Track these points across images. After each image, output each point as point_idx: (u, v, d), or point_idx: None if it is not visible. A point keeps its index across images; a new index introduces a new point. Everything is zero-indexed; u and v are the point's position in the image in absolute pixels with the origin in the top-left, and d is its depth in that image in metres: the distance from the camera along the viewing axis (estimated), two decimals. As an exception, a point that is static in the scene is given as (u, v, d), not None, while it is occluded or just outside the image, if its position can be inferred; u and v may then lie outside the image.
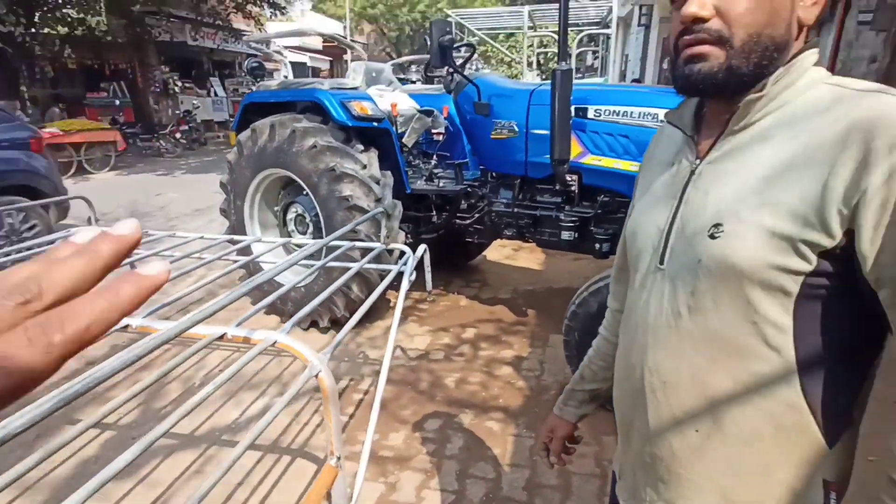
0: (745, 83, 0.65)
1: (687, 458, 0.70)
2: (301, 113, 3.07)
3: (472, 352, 2.99)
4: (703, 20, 0.64)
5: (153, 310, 1.41)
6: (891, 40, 4.00)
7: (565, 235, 2.76)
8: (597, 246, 2.71)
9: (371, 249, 2.10)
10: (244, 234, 3.33)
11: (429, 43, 2.62)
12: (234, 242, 2.23)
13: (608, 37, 9.52)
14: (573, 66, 10.20)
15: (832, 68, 4.30)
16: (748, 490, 0.67)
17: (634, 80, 12.23)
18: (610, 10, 8.89)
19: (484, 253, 4.49)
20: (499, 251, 4.67)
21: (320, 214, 2.97)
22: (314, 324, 3.20)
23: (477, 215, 3.13)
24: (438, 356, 2.95)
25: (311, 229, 3.18)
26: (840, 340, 0.62)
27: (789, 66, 0.64)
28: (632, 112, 2.44)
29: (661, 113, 2.37)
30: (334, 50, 23.73)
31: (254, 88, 3.31)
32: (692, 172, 0.71)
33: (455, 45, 2.78)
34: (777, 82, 0.64)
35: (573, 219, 2.73)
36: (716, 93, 0.68)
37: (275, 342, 1.20)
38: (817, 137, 0.59)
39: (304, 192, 3.07)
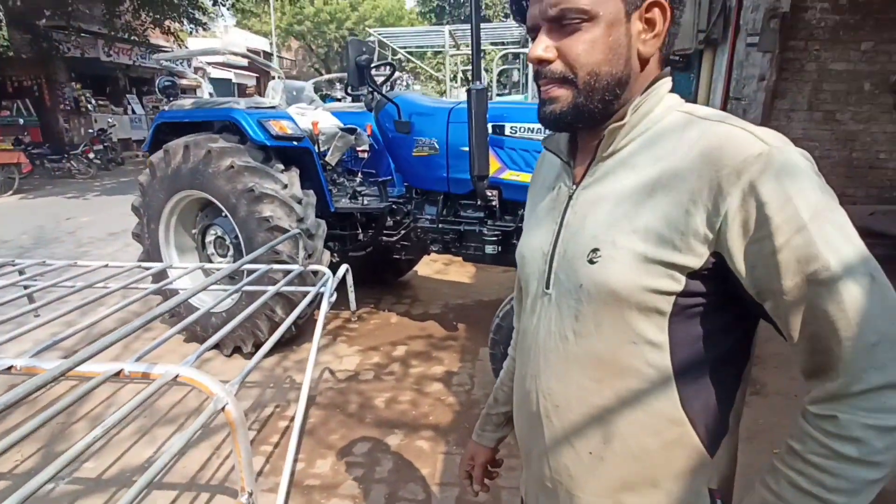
0: (595, 117, 0.70)
1: (584, 480, 0.72)
2: (217, 133, 2.98)
3: (402, 370, 2.98)
4: (548, 62, 0.68)
5: (48, 345, 1.31)
6: (775, 60, 4.44)
7: (489, 249, 2.83)
8: (519, 258, 2.79)
9: (289, 272, 2.06)
10: (159, 259, 3.17)
11: (346, 63, 2.62)
12: (145, 269, 2.11)
13: (524, 56, 9.88)
14: (491, 84, 10.58)
15: (727, 86, 4.70)
16: None
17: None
18: (523, 33, 9.25)
19: (415, 268, 4.50)
20: (430, 266, 4.70)
21: (240, 236, 2.88)
22: (237, 349, 3.08)
23: (403, 232, 3.14)
24: (368, 376, 2.91)
25: (231, 252, 3.07)
26: (714, 353, 0.66)
27: (647, 95, 0.69)
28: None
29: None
30: (262, 66, 23.15)
31: (166, 108, 3.17)
32: (570, 197, 0.74)
33: (373, 65, 2.80)
34: (636, 110, 0.69)
35: (496, 233, 2.81)
36: (570, 129, 0.74)
37: (176, 376, 1.14)
38: (674, 164, 0.63)
39: (223, 214, 2.96)
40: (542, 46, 0.68)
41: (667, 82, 0.71)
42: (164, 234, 3.18)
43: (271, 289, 1.98)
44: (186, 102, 3.12)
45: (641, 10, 0.67)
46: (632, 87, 0.70)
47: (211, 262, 3.24)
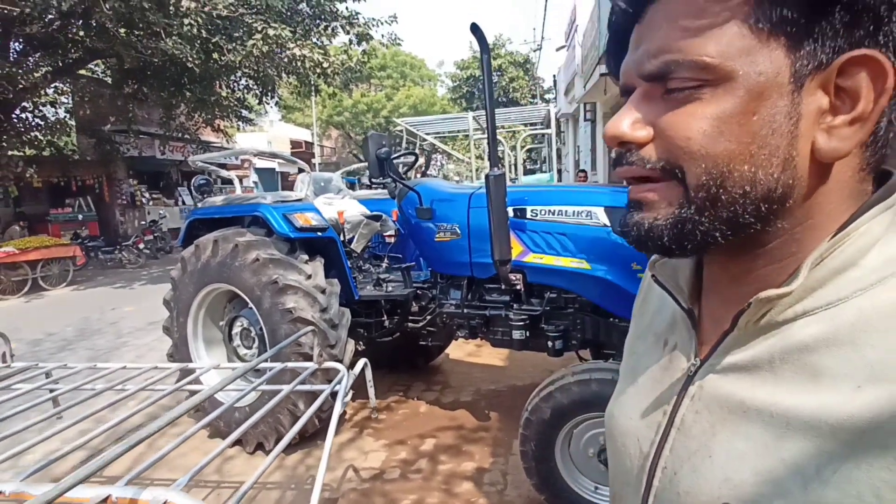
0: (718, 243, 0.41)
1: None
2: (246, 227, 3.07)
3: (430, 466, 2.79)
4: (636, 145, 0.42)
5: (49, 461, 1.26)
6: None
7: (516, 334, 2.71)
8: (549, 343, 2.65)
9: (305, 368, 2.00)
10: (187, 352, 3.18)
11: (366, 156, 2.70)
12: (162, 369, 2.09)
13: (550, 134, 10.16)
14: (520, 162, 10.81)
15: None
16: None
17: (580, 171, 12.93)
18: (548, 113, 9.58)
19: (446, 351, 4.38)
20: (462, 348, 4.56)
21: (264, 328, 2.87)
22: (260, 446, 2.97)
23: (428, 317, 3.07)
24: (394, 475, 2.73)
25: (256, 343, 3.06)
26: None
27: (843, 237, 0.38)
28: (566, 211, 2.50)
29: (596, 210, 2.44)
30: (304, 154, 24.63)
31: (199, 205, 3.32)
32: (689, 378, 0.46)
33: (395, 155, 2.87)
34: (819, 265, 0.39)
35: (522, 317, 2.69)
36: (673, 254, 0.44)
37: (164, 502, 1.06)
38: None
39: (249, 306, 2.98)
40: (629, 120, 0.41)
41: (883, 215, 0.39)
42: (193, 328, 3.21)
43: (286, 387, 1.92)
44: (218, 199, 3.26)
45: (830, 73, 0.36)
46: (796, 210, 0.40)
47: (237, 353, 3.23)
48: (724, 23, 0.36)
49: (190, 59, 7.76)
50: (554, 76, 21.44)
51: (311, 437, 3.03)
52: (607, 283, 2.42)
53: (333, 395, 1.86)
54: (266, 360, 2.01)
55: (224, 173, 3.80)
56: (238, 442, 2.98)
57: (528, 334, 2.70)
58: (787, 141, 0.37)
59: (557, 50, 18.85)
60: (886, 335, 0.35)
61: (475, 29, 2.31)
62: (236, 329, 3.18)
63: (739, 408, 0.41)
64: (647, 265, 0.57)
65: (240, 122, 14.59)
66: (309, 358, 2.50)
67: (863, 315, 0.37)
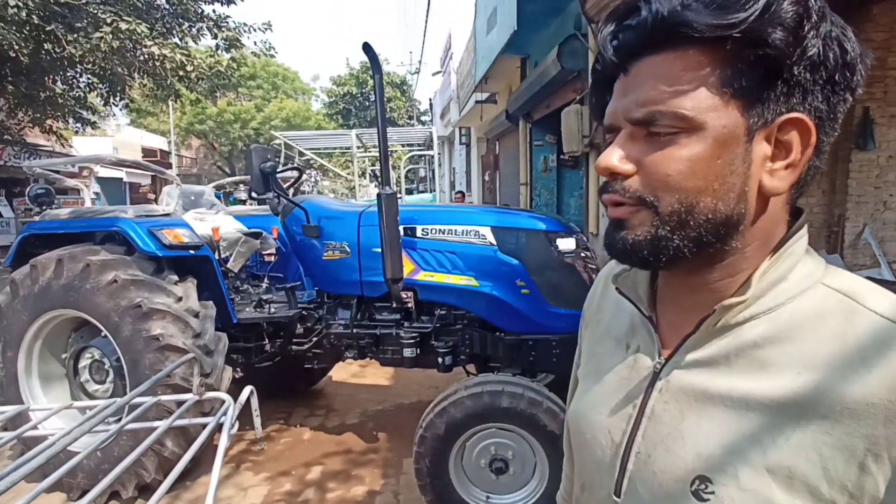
0: (686, 258, 0.50)
1: None
2: (99, 244, 2.69)
3: (318, 496, 2.65)
4: (622, 176, 0.51)
5: None
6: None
7: (407, 352, 2.71)
8: (439, 360, 2.69)
9: (182, 402, 1.79)
10: (16, 392, 2.68)
11: (249, 170, 2.54)
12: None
13: (433, 156, 10.46)
14: (400, 181, 10.96)
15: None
16: None
17: (458, 193, 13.47)
18: (430, 135, 9.87)
19: (329, 374, 4.22)
20: (346, 370, 4.43)
21: (123, 359, 2.53)
22: (115, 495, 2.59)
23: (315, 339, 2.95)
24: (278, 510, 2.55)
25: (110, 377, 2.68)
26: None
27: (779, 256, 0.50)
28: (456, 230, 2.58)
29: (483, 230, 2.55)
30: (158, 165, 22.36)
31: (37, 218, 2.85)
32: (656, 374, 0.54)
33: (279, 170, 2.74)
34: (763, 276, 0.50)
35: (413, 335, 2.71)
36: (646, 266, 0.54)
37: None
38: (839, 384, 0.44)
39: (102, 335, 2.61)
40: (619, 155, 0.50)
41: (803, 237, 0.51)
42: (25, 363, 2.72)
43: (159, 425, 1.70)
44: (63, 212, 2.83)
45: (772, 129, 0.47)
46: (745, 232, 0.50)
47: (85, 390, 2.79)
48: (697, 86, 0.47)
49: (15, 46, 6.66)
50: (430, 99, 22.12)
51: (177, 478, 2.71)
52: (494, 299, 2.54)
53: (217, 427, 1.70)
54: (127, 396, 1.77)
55: (70, 182, 3.30)
56: (84, 492, 2.57)
57: (418, 351, 2.72)
58: (742, 179, 0.48)
59: (434, 75, 19.51)
60: (813, 331, 0.47)
61: (367, 48, 2.32)
62: (84, 362, 2.76)
63: (704, 395, 0.50)
64: (602, 280, 0.70)
65: (78, 124, 12.83)
66: (182, 390, 2.26)
67: (794, 317, 0.48)
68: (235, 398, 1.83)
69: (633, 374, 0.57)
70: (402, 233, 2.51)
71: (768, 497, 0.45)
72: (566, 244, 2.50)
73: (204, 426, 1.75)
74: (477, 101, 10.67)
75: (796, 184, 0.50)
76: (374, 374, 4.36)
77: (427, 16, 19.92)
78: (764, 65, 0.45)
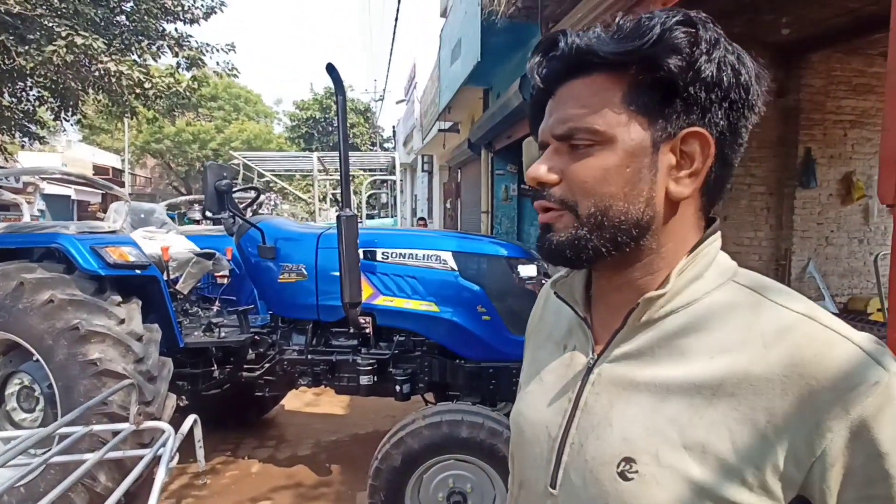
0: (602, 258, 0.57)
1: None
2: (37, 261, 2.53)
3: (264, 533, 2.50)
4: (548, 185, 0.57)
5: None
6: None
7: (364, 380, 2.63)
8: (397, 388, 2.62)
9: (117, 432, 1.67)
10: (-69, 422, 2.44)
11: (204, 188, 2.45)
12: None
13: (395, 181, 10.49)
14: (361, 206, 10.91)
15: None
16: None
17: (420, 219, 13.51)
18: (393, 160, 9.92)
19: (282, 403, 4.05)
20: (299, 398, 4.27)
21: (55, 385, 2.35)
22: (38, 537, 2.36)
23: (267, 365, 2.83)
24: (220, 549, 2.39)
25: (40, 405, 2.48)
26: None
27: (694, 256, 0.56)
28: (416, 254, 2.56)
29: (444, 255, 2.53)
30: (110, 181, 21.54)
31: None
32: (589, 370, 0.59)
33: (235, 189, 2.66)
34: (681, 274, 0.55)
35: (370, 361, 2.63)
36: (571, 265, 0.61)
37: None
38: (744, 364, 0.50)
39: (34, 359, 2.42)
40: (545, 167, 0.57)
41: (716, 240, 0.58)
42: (-56, 389, 2.49)
43: (90, 457, 1.58)
44: (-2, 226, 2.65)
45: (676, 142, 0.54)
46: (658, 233, 0.56)
47: (12, 419, 2.58)
48: (607, 105, 0.54)
49: (-40, 57, 6.36)
50: (394, 127, 22.31)
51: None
52: (454, 325, 2.51)
53: (154, 460, 1.59)
54: (60, 425, 1.64)
55: (7, 196, 3.11)
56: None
57: (375, 379, 2.65)
58: (649, 186, 0.55)
59: (397, 103, 19.74)
60: (725, 321, 0.53)
61: (331, 69, 2.31)
62: (12, 388, 2.55)
63: (630, 384, 0.55)
64: (544, 293, 0.76)
65: (25, 139, 12.24)
66: (120, 419, 2.11)
67: (709, 310, 0.54)
68: (178, 428, 1.73)
69: (569, 371, 0.62)
70: (361, 256, 2.47)
71: (686, 472, 0.49)
72: (528, 270, 2.51)
73: (141, 458, 1.64)
74: (440, 130, 10.83)
75: (705, 191, 0.57)
76: (329, 402, 4.22)
77: (392, 46, 20.24)
78: (663, 85, 0.52)
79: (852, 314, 5.40)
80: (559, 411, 0.60)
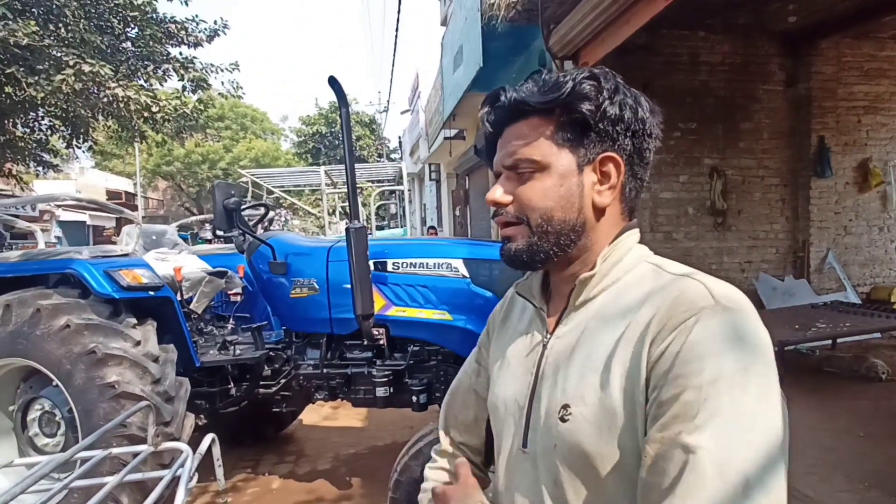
0: (553, 259, 0.73)
1: None
2: (52, 287, 2.55)
3: (287, 551, 2.48)
4: (503, 205, 0.73)
5: None
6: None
7: (380, 392, 2.61)
8: (413, 398, 2.60)
9: (137, 454, 1.67)
10: (-45, 452, 2.46)
11: (213, 207, 2.46)
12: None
13: (403, 191, 10.50)
14: (370, 218, 10.93)
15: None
16: None
17: (430, 228, 13.51)
18: (400, 170, 9.94)
19: (300, 417, 4.04)
20: (317, 412, 4.26)
21: (75, 409, 2.36)
22: (63, 562, 2.37)
23: (283, 381, 2.82)
24: (244, 569, 2.37)
25: (61, 430, 2.50)
26: None
27: (614, 245, 0.72)
28: (427, 263, 2.54)
29: (455, 262, 2.51)
30: (123, 205, 21.86)
31: (-16, 262, 2.69)
32: (544, 346, 0.74)
33: (244, 206, 2.67)
34: (605, 260, 0.72)
35: (386, 373, 2.61)
36: (528, 267, 0.77)
37: None
38: (638, 315, 0.64)
39: (53, 384, 2.44)
40: (500, 191, 0.74)
41: (634, 233, 0.75)
42: (-34, 418, 2.52)
43: (111, 480, 1.57)
44: (13, 255, 2.69)
45: (595, 164, 0.71)
46: (591, 234, 0.72)
47: (34, 444, 2.59)
48: (541, 140, 0.71)
49: (-27, 91, 6.50)
50: (399, 137, 22.42)
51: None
52: (468, 333, 2.48)
53: (174, 480, 1.58)
54: (78, 449, 1.64)
55: (23, 225, 3.16)
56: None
57: (391, 390, 2.62)
58: (579, 199, 0.71)
59: (402, 113, 19.84)
60: (635, 289, 0.68)
61: (333, 82, 2.32)
62: (33, 414, 2.57)
63: (570, 350, 0.70)
64: (508, 296, 0.91)
65: (39, 168, 12.49)
66: (139, 441, 2.11)
67: (626, 283, 0.70)
68: (197, 447, 1.72)
69: (530, 353, 0.76)
70: (372, 267, 2.46)
71: (605, 403, 0.62)
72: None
73: (161, 479, 1.63)
74: (446, 138, 10.83)
75: (622, 199, 0.74)
76: (346, 415, 4.21)
77: (394, 56, 20.38)
78: (580, 123, 0.70)
79: (875, 304, 5.28)
80: (524, 384, 0.74)
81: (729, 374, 0.55)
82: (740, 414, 0.54)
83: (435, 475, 0.90)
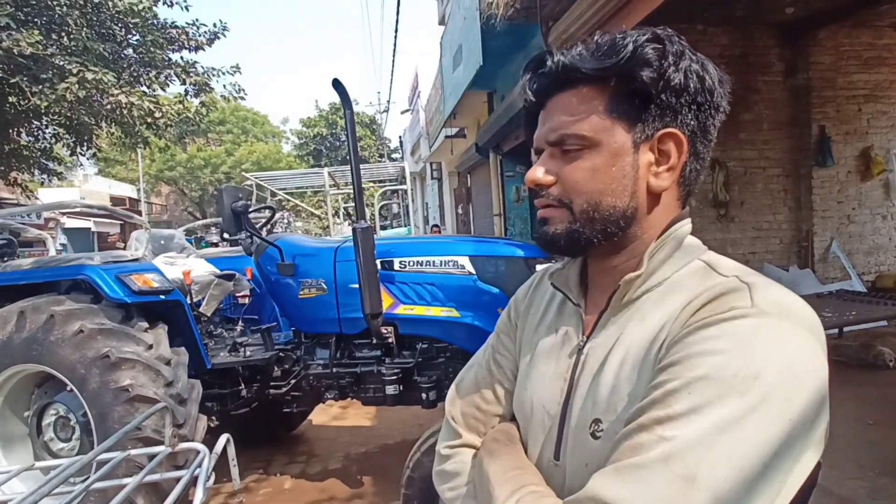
0: (594, 246, 0.65)
1: None
2: (65, 294, 2.59)
3: (302, 549, 2.51)
4: (545, 185, 0.65)
5: None
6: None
7: (390, 389, 2.64)
8: (423, 395, 2.62)
9: (153, 455, 1.70)
10: (-27, 457, 2.50)
11: (220, 211, 2.49)
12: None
13: (406, 190, 10.53)
14: (374, 217, 10.95)
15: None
16: None
17: (434, 227, 13.53)
18: (402, 170, 9.96)
19: (309, 418, 4.08)
20: (326, 412, 4.29)
21: (90, 413, 2.39)
22: (82, 564, 2.41)
23: (293, 381, 2.85)
24: (259, 567, 2.40)
25: (76, 434, 2.53)
26: None
27: (663, 240, 0.64)
28: (434, 261, 2.56)
29: (461, 260, 2.54)
30: (127, 210, 21.93)
31: (-3, 269, 2.73)
32: (580, 352, 0.66)
33: (251, 209, 2.70)
34: (652, 257, 0.63)
35: (395, 371, 2.64)
36: (566, 254, 0.69)
37: None
38: (677, 316, 0.57)
39: (68, 389, 2.47)
40: (542, 170, 0.65)
41: (685, 224, 0.66)
42: (-17, 424, 2.55)
43: (129, 482, 1.60)
44: (25, 262, 2.72)
45: (653, 142, 0.62)
46: (642, 222, 0.64)
47: (50, 449, 2.63)
48: (591, 114, 0.62)
49: (-22, 102, 6.56)
50: (400, 137, 22.44)
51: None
52: (476, 330, 2.51)
53: (192, 480, 1.61)
54: (96, 452, 1.67)
55: (33, 233, 3.19)
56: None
57: (401, 388, 2.65)
58: (633, 181, 0.62)
59: (402, 113, 19.87)
60: (683, 290, 0.60)
61: (336, 84, 2.34)
62: (48, 419, 2.60)
63: (606, 356, 0.62)
64: (537, 278, 0.84)
65: (44, 176, 12.56)
66: (154, 443, 2.15)
67: (674, 283, 0.62)
68: (211, 448, 1.75)
69: (562, 354, 0.69)
70: (379, 266, 2.48)
71: None
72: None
73: (178, 480, 1.66)
74: (447, 136, 10.86)
75: (681, 183, 0.65)
76: (356, 414, 4.24)
77: (394, 56, 20.39)
78: (638, 94, 0.60)
79: (881, 292, 5.28)
80: (556, 391, 0.67)
81: (730, 376, 0.48)
82: (726, 420, 0.47)
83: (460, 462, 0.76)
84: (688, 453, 0.46)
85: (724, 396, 0.47)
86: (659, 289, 0.62)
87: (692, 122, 0.62)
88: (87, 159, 14.30)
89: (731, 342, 0.50)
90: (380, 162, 22.58)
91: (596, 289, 0.70)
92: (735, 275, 0.58)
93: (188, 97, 9.41)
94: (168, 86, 9.01)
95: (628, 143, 0.62)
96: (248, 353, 2.86)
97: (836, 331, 4.63)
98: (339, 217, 10.67)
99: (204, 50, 9.10)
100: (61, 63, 7.39)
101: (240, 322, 3.24)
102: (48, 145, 10.07)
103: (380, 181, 13.05)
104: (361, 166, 2.54)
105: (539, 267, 2.50)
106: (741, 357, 0.49)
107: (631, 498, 0.47)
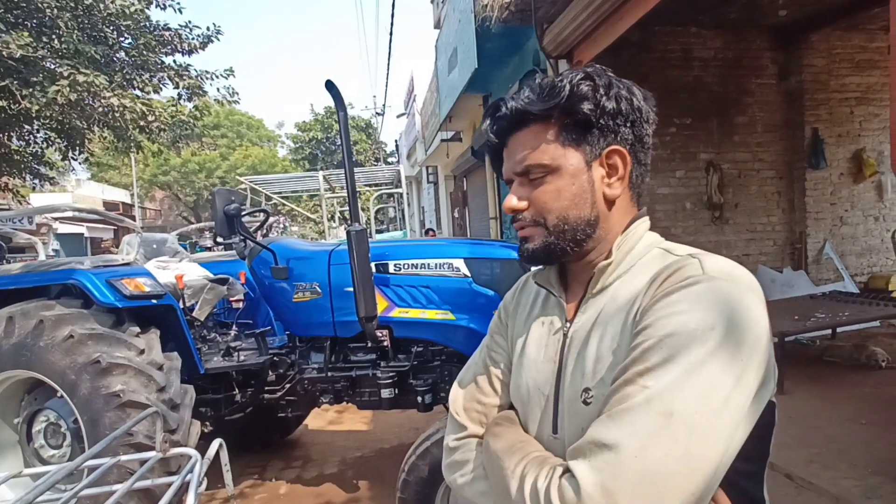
0: (569, 254, 0.76)
1: None
2: (55, 298, 2.56)
3: (296, 555, 2.48)
4: (520, 210, 0.77)
5: None
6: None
7: (385, 393, 2.61)
8: (419, 399, 2.60)
9: (145, 461, 1.67)
10: (-39, 465, 2.46)
11: (213, 214, 2.47)
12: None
13: (401, 194, 10.52)
14: (370, 221, 10.93)
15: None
16: None
17: (428, 230, 13.51)
18: (398, 173, 9.96)
19: (305, 422, 4.05)
20: (322, 417, 4.26)
21: (80, 420, 2.36)
22: (73, 573, 2.37)
23: (288, 385, 2.82)
24: (253, 574, 2.37)
25: (67, 441, 2.50)
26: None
27: (627, 233, 0.76)
28: (429, 264, 2.55)
29: (456, 262, 2.52)
30: (120, 215, 21.78)
31: (-14, 275, 2.69)
32: (565, 335, 0.76)
33: (245, 212, 2.68)
34: (619, 248, 0.75)
35: (390, 374, 2.62)
36: (546, 263, 0.81)
37: None
38: (643, 294, 0.68)
39: (58, 395, 2.44)
40: (515, 199, 0.77)
41: (644, 221, 0.78)
42: (-29, 431, 2.51)
43: (120, 488, 1.57)
44: (14, 267, 2.69)
45: (602, 158, 0.74)
46: (605, 224, 0.76)
47: (40, 456, 2.59)
48: (548, 145, 0.74)
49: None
50: (396, 141, 22.43)
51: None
52: (472, 332, 2.49)
53: (183, 486, 1.58)
54: (85, 458, 1.64)
55: (23, 237, 3.16)
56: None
57: (396, 391, 2.63)
58: (591, 194, 0.75)
59: (398, 117, 19.88)
60: (644, 272, 0.71)
61: (330, 86, 2.32)
62: (38, 426, 2.57)
63: (588, 335, 0.73)
64: (520, 283, 0.95)
65: (35, 181, 12.46)
66: (145, 448, 2.12)
67: (638, 269, 0.73)
68: (204, 454, 1.73)
69: (550, 342, 0.79)
70: (373, 269, 2.47)
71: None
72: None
73: (169, 486, 1.63)
74: (442, 140, 10.86)
75: (631, 187, 0.77)
76: (352, 418, 4.21)
77: (389, 60, 20.41)
78: (582, 123, 0.72)
79: (874, 292, 5.30)
80: (548, 372, 0.77)
81: (692, 330, 0.59)
82: (692, 364, 0.57)
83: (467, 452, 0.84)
84: (665, 394, 0.57)
85: (688, 346, 0.58)
86: (626, 275, 0.73)
87: (630, 137, 0.74)
88: (80, 164, 14.20)
89: (689, 304, 0.61)
90: (375, 166, 22.57)
91: (574, 281, 0.81)
92: (688, 253, 0.70)
93: (181, 101, 9.37)
94: (161, 89, 8.97)
95: (582, 164, 0.74)
96: (241, 358, 2.83)
97: (829, 332, 4.64)
98: (335, 221, 10.64)
99: (197, 53, 9.07)
100: (52, 66, 7.35)
101: (233, 326, 3.21)
102: (39, 149, 9.99)
103: (375, 185, 13.03)
104: (357, 170, 2.52)
105: (534, 269, 2.49)
106: (699, 314, 0.60)
107: (624, 436, 0.57)
